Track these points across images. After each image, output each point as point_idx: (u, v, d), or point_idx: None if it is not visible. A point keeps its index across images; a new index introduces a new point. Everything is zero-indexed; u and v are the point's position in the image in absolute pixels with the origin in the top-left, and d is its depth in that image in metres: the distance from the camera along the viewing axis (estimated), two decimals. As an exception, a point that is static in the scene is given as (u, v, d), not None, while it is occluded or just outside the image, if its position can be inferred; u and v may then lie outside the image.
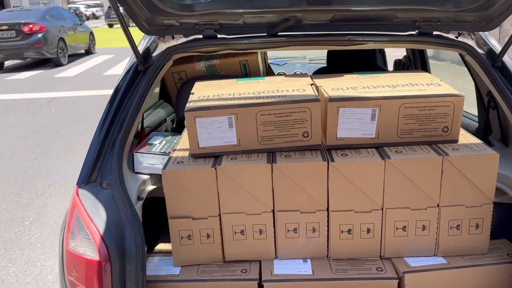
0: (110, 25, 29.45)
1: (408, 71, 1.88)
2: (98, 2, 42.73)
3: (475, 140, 1.57)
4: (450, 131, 1.52)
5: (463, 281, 1.50)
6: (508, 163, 1.66)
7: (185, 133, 1.83)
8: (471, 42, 1.78)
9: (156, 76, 1.70)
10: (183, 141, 1.72)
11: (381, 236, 1.53)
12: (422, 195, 1.48)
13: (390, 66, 3.66)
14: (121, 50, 15.38)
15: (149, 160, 1.62)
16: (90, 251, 1.35)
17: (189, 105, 1.53)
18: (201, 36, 1.78)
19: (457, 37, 1.79)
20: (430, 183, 1.47)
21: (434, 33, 1.75)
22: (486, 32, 1.79)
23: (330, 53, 2.93)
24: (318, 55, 4.36)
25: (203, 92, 1.65)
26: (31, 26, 11.48)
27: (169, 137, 1.80)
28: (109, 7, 33.91)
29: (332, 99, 1.48)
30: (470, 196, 1.48)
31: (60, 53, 12.32)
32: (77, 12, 38.13)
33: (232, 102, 1.52)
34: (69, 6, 36.22)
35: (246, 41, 1.75)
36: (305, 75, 1.83)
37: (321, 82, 1.68)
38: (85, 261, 1.35)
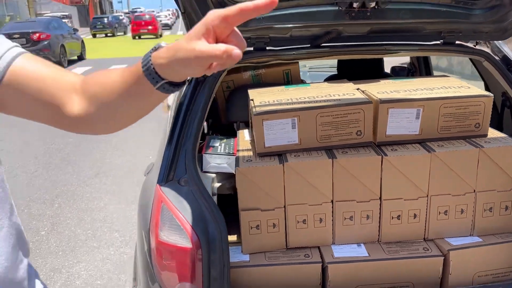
0: (94, 35, 31.15)
1: (433, 76, 2.12)
2: (67, 13, 42.07)
3: (500, 134, 1.82)
4: (481, 126, 1.76)
5: (496, 255, 1.74)
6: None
7: (240, 135, 2.02)
8: (487, 50, 2.04)
9: (215, 84, 1.88)
10: (242, 142, 1.90)
11: (426, 220, 1.76)
12: (461, 183, 1.71)
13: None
14: (99, 62, 15.33)
15: (216, 160, 1.79)
16: (183, 240, 1.51)
17: (256, 109, 1.71)
18: (251, 49, 1.97)
19: (475, 46, 2.06)
20: (468, 172, 1.70)
21: (456, 42, 2.00)
22: (500, 41, 2.06)
23: (341, 61, 3.17)
24: (317, 64, 4.61)
25: (261, 98, 1.84)
26: (38, 34, 13.82)
27: (225, 140, 1.98)
28: (94, 18, 34.59)
29: (383, 101, 1.70)
30: (501, 181, 1.72)
31: (62, 57, 14.48)
32: (45, 24, 37.38)
33: (293, 106, 1.72)
34: (37, 18, 35.55)
35: (293, 52, 1.96)
36: (345, 81, 2.05)
37: (364, 87, 1.90)
38: (178, 249, 1.50)
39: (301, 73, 4.59)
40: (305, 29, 1.92)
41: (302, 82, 2.51)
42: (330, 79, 3.26)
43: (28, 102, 0.82)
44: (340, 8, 1.82)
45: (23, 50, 0.85)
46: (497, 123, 2.21)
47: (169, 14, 52.07)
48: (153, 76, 0.71)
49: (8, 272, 0.82)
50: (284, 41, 1.98)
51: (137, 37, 28.03)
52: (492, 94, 1.75)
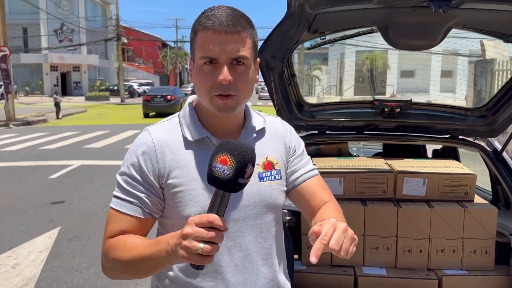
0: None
1: (443, 160, 3.01)
2: (150, 81, 46.20)
3: (484, 201, 2.65)
4: (469, 194, 2.61)
5: (477, 285, 2.50)
6: (508, 217, 2.71)
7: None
8: (483, 143, 2.91)
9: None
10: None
11: (428, 255, 2.58)
12: (452, 231, 2.54)
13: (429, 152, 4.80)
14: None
15: (288, 201, 2.76)
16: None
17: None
18: (316, 132, 2.99)
19: (474, 140, 2.93)
20: (457, 224, 2.53)
21: (460, 137, 2.90)
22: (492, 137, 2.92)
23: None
24: (368, 144, 5.58)
25: (321, 163, 2.83)
26: (170, 96, 22.32)
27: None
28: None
29: (400, 172, 2.62)
30: (481, 232, 2.53)
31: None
32: (131, 89, 41.36)
33: (341, 170, 2.68)
34: (124, 83, 39.32)
35: (344, 136, 2.95)
36: (378, 157, 2.99)
37: (390, 162, 2.83)
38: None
39: (355, 148, 5.59)
40: (352, 122, 2.92)
41: (350, 154, 3.47)
42: (377, 154, 4.18)
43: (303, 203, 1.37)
44: (376, 111, 2.81)
45: (317, 172, 1.41)
46: (494, 196, 3.01)
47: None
48: None
49: None
50: (339, 128, 2.99)
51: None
52: (475, 173, 2.61)
